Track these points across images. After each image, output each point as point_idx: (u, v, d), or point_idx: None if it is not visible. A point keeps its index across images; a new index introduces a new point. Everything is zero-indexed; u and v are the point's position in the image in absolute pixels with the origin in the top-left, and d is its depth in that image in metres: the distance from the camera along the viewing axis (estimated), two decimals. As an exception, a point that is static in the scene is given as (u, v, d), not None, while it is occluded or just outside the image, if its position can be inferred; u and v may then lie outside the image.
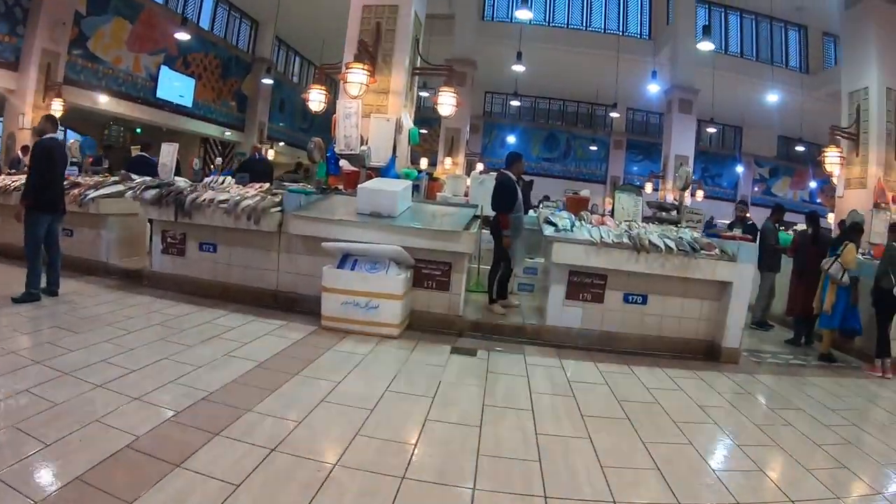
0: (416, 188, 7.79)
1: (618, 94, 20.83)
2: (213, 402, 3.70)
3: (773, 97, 19.46)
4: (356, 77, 8.19)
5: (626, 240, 6.07)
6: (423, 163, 20.36)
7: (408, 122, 9.12)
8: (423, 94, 18.93)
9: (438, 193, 8.85)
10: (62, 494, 2.55)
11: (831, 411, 4.90)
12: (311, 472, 2.93)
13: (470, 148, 23.30)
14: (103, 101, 16.25)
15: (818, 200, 23.69)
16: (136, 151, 10.21)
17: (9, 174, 8.92)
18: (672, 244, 6.01)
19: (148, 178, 7.52)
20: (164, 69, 18.57)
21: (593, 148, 28.24)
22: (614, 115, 23.79)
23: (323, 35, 19.05)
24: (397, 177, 7.66)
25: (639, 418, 4.18)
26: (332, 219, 6.24)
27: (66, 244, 7.20)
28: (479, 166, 20.59)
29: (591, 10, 22.76)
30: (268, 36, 23.56)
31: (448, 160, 19.83)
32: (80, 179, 8.06)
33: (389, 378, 4.53)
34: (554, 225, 6.34)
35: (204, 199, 6.62)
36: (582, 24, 22.76)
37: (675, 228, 7.00)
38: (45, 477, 2.69)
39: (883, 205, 10.51)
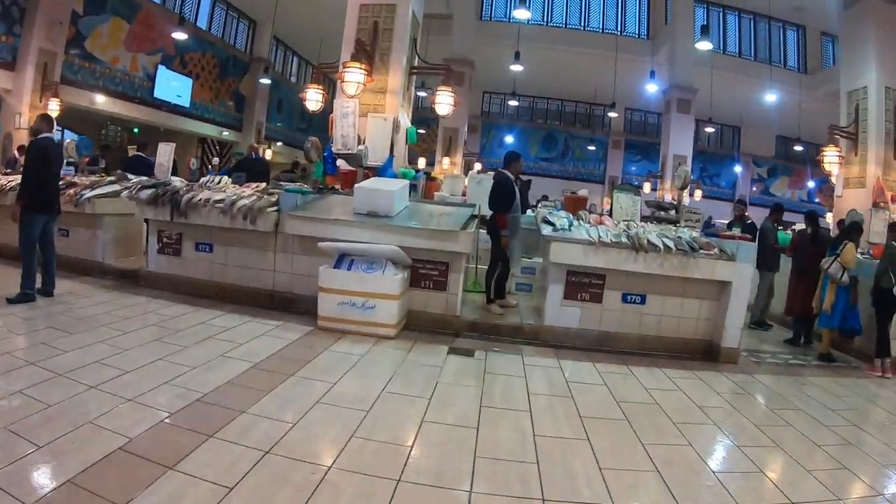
0: (413, 188, 7.75)
1: (616, 93, 20.81)
2: (208, 404, 3.66)
3: (771, 97, 19.48)
4: (353, 76, 8.15)
5: (624, 239, 6.04)
6: (422, 162, 20.33)
7: (405, 122, 9.08)
8: (421, 93, 18.89)
9: (436, 193, 8.82)
10: (53, 497, 2.52)
11: (831, 411, 4.88)
12: (305, 475, 2.89)
13: (468, 148, 23.27)
14: (100, 100, 16.18)
15: (816, 200, 23.66)
16: (132, 151, 10.19)
17: (5, 174, 8.87)
18: (671, 244, 5.99)
19: (144, 178, 7.48)
20: (162, 69, 18.49)
21: (591, 148, 28.22)
22: (612, 114, 23.77)
23: (321, 35, 19.00)
24: (395, 176, 7.62)
25: (637, 419, 4.15)
26: (329, 218, 6.21)
27: (62, 244, 7.17)
28: (477, 166, 20.57)
29: (589, 10, 22.74)
30: (265, 36, 23.51)
31: (446, 160, 19.81)
32: (76, 179, 8.02)
33: (386, 379, 4.49)
34: (552, 224, 6.31)
35: (200, 199, 6.58)
36: (580, 23, 22.74)
37: (673, 228, 6.98)
38: (37, 479, 2.66)
39: (882, 204, 10.50)
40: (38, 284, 6.00)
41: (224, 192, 6.84)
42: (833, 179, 12.06)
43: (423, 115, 21.68)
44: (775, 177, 28.51)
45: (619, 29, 22.49)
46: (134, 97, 17.59)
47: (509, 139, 28.15)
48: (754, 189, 27.84)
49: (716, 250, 6.10)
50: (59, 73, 14.29)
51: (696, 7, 20.31)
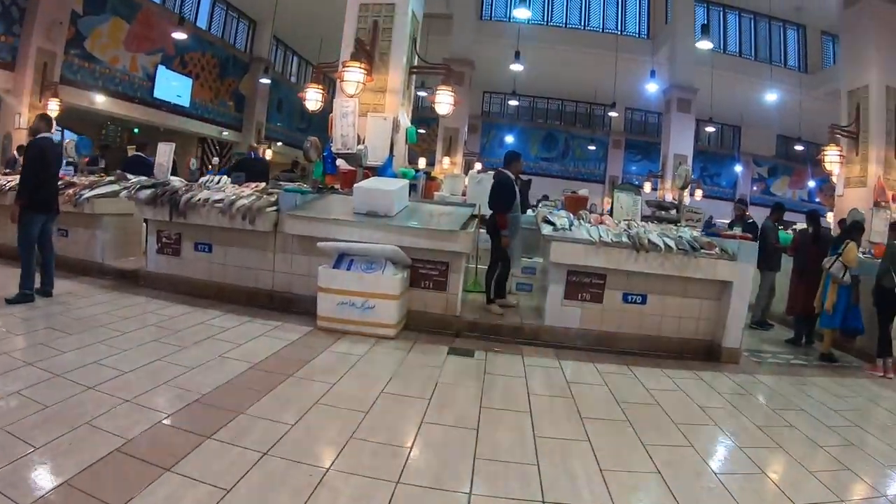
0: (413, 187, 7.73)
1: (616, 93, 20.77)
2: (206, 405, 3.64)
3: (771, 96, 19.47)
4: (353, 76, 8.12)
5: (625, 239, 6.02)
6: (422, 162, 20.32)
7: (405, 121, 9.06)
8: (422, 93, 18.88)
9: (436, 193, 8.79)
10: (50, 499, 2.50)
11: (833, 412, 4.85)
12: (303, 477, 2.87)
13: (468, 148, 23.26)
14: (100, 100, 16.17)
15: (817, 200, 23.65)
16: (132, 151, 10.16)
17: (5, 174, 8.85)
18: (671, 243, 5.96)
19: (143, 178, 7.46)
20: (162, 69, 18.48)
21: (592, 147, 28.22)
22: (613, 114, 23.75)
23: (321, 34, 18.98)
24: (394, 176, 7.60)
25: (638, 420, 4.13)
26: (328, 218, 6.19)
27: (61, 244, 7.17)
28: (478, 165, 20.56)
29: (589, 10, 22.70)
30: (265, 35, 23.50)
31: (446, 160, 19.80)
32: (75, 179, 8.00)
33: (385, 379, 4.47)
34: (552, 224, 6.29)
35: (199, 199, 6.57)
36: (580, 23, 22.70)
37: (674, 227, 6.95)
38: (33, 481, 2.64)
39: (883, 203, 10.47)
40: (37, 285, 5.98)
41: (223, 191, 6.82)
42: (834, 179, 12.03)
43: (424, 115, 21.66)
44: (776, 176, 28.49)
45: (619, 28, 22.45)
46: (134, 97, 17.58)
47: (509, 139, 28.13)
48: (755, 189, 27.81)
49: (717, 250, 6.07)
50: (59, 73, 14.27)
51: (696, 6, 20.29)
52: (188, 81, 20.00)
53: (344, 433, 3.41)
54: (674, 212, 8.03)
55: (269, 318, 5.95)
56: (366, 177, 7.38)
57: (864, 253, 7.62)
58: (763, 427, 4.29)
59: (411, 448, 3.35)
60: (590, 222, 6.65)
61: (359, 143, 7.86)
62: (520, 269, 7.71)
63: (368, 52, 8.59)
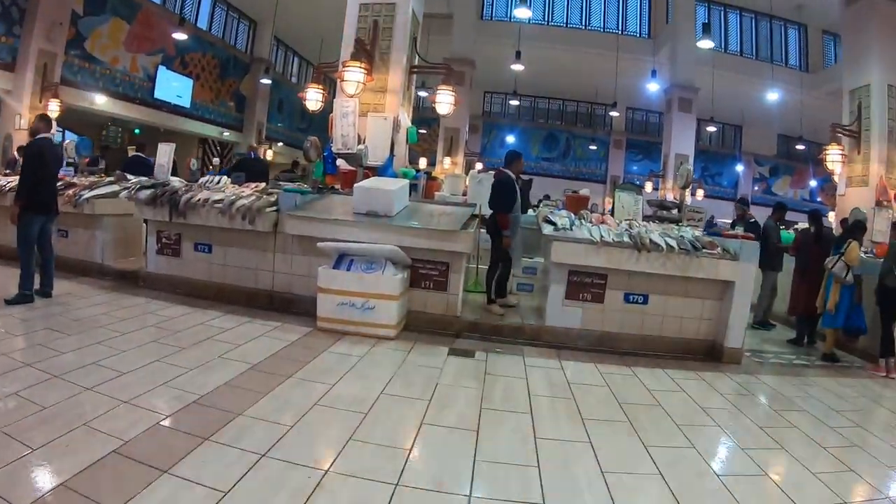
0: (413, 187, 7.72)
1: (617, 93, 20.75)
2: (204, 406, 3.62)
3: (772, 96, 19.40)
4: (353, 75, 8.10)
5: (626, 239, 6.00)
6: (423, 163, 20.30)
7: (405, 121, 9.04)
8: (422, 93, 18.88)
9: (436, 193, 8.78)
10: (46, 500, 2.48)
11: (836, 412, 4.83)
12: (301, 479, 2.85)
13: (469, 148, 23.25)
14: (100, 101, 16.15)
15: (818, 199, 23.64)
16: (132, 152, 10.15)
17: (5, 175, 8.85)
18: (673, 243, 5.94)
19: (143, 179, 7.45)
20: (162, 69, 18.47)
21: (593, 147, 28.21)
22: (614, 114, 23.73)
23: (321, 35, 18.97)
24: (395, 176, 7.58)
25: (640, 421, 4.11)
26: (328, 218, 6.17)
27: (61, 245, 7.17)
28: (479, 165, 20.54)
29: (590, 9, 22.68)
30: (266, 36, 23.48)
31: (447, 160, 19.77)
32: (75, 180, 7.99)
33: (385, 380, 4.44)
34: (553, 224, 6.26)
35: (199, 199, 6.55)
36: (581, 23, 22.69)
37: (676, 227, 6.92)
38: (30, 482, 2.62)
39: (885, 203, 10.43)
40: (37, 285, 5.96)
41: (223, 192, 6.80)
42: (836, 178, 11.98)
43: (424, 115, 21.65)
44: (777, 176, 28.45)
45: (620, 28, 22.44)
46: (134, 98, 17.57)
47: (510, 139, 28.11)
48: (756, 188, 27.76)
49: (719, 249, 6.04)
50: (59, 74, 14.25)
51: (697, 6, 20.27)
52: (189, 82, 19.99)
53: (343, 435, 3.39)
54: (675, 211, 8.00)
55: (268, 319, 5.93)
56: (366, 177, 7.36)
57: (865, 252, 7.60)
58: (765, 428, 4.26)
59: (411, 449, 3.32)
60: (591, 222, 6.62)
61: (359, 143, 7.84)
62: (520, 269, 7.70)
63: (369, 52, 8.57)
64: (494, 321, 6.34)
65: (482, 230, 7.02)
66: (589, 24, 22.69)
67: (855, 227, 7.03)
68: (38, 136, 6.11)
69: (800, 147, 23.75)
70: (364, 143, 7.93)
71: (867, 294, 6.66)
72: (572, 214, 6.83)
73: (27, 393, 3.54)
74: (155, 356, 4.47)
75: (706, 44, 13.86)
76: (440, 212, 6.60)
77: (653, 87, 18.90)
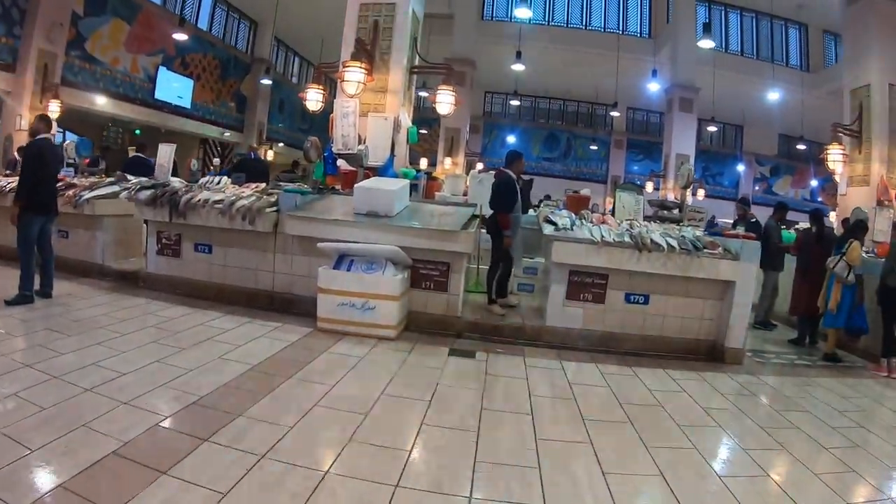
0: (414, 188, 7.71)
1: (618, 93, 20.74)
2: (204, 407, 3.61)
3: (773, 95, 19.40)
4: (353, 76, 8.09)
5: (627, 238, 5.98)
6: (423, 163, 20.29)
7: (406, 121, 9.02)
8: (423, 93, 18.85)
9: (437, 193, 8.76)
10: (45, 502, 2.48)
11: (837, 413, 4.81)
12: (300, 480, 2.83)
13: (470, 148, 23.23)
14: (101, 102, 16.14)
15: (819, 199, 23.61)
16: (132, 152, 10.14)
17: (6, 176, 8.84)
18: (674, 243, 5.92)
19: (143, 179, 7.44)
20: (163, 70, 18.45)
21: (594, 147, 28.19)
22: (615, 114, 23.71)
23: (322, 35, 18.96)
24: (395, 176, 7.57)
25: (641, 422, 4.09)
26: (328, 219, 6.16)
27: (61, 246, 7.16)
28: (479, 166, 20.53)
29: (590, 9, 22.67)
30: (267, 36, 23.47)
31: (448, 160, 19.76)
32: (75, 180, 7.98)
33: (385, 381, 4.43)
34: (554, 224, 6.25)
35: (199, 200, 6.54)
36: (581, 23, 22.68)
37: (677, 227, 6.91)
38: (28, 484, 2.61)
39: (886, 202, 10.41)
40: (37, 286, 5.96)
41: (223, 192, 6.79)
42: (837, 178, 11.95)
43: (425, 116, 21.61)
44: (778, 176, 28.42)
45: (620, 28, 22.43)
46: (135, 98, 17.55)
47: (511, 139, 28.08)
48: (757, 188, 27.73)
49: (720, 249, 6.03)
50: (60, 75, 14.23)
51: (697, 6, 20.27)
52: (189, 82, 19.97)
53: (343, 435, 3.38)
54: (676, 211, 7.98)
55: (269, 320, 5.92)
56: (367, 177, 7.35)
57: (867, 252, 7.58)
58: (767, 428, 4.25)
59: (411, 451, 3.31)
60: (592, 222, 6.60)
61: (359, 144, 7.83)
62: (521, 269, 7.68)
63: (369, 52, 8.56)
64: (495, 321, 6.33)
65: (482, 230, 7.00)
66: (589, 24, 22.68)
67: (856, 227, 7.02)
68: (37, 137, 6.11)
69: (801, 147, 23.74)
70: (364, 143, 7.92)
71: (869, 294, 6.64)
72: (573, 214, 6.81)
73: (26, 394, 3.53)
74: (155, 357, 4.46)
75: (707, 43, 13.86)
76: (441, 212, 6.59)
77: (653, 86, 18.89)
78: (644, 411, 4.35)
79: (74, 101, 15.03)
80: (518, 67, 17.27)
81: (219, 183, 7.42)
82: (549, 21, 22.49)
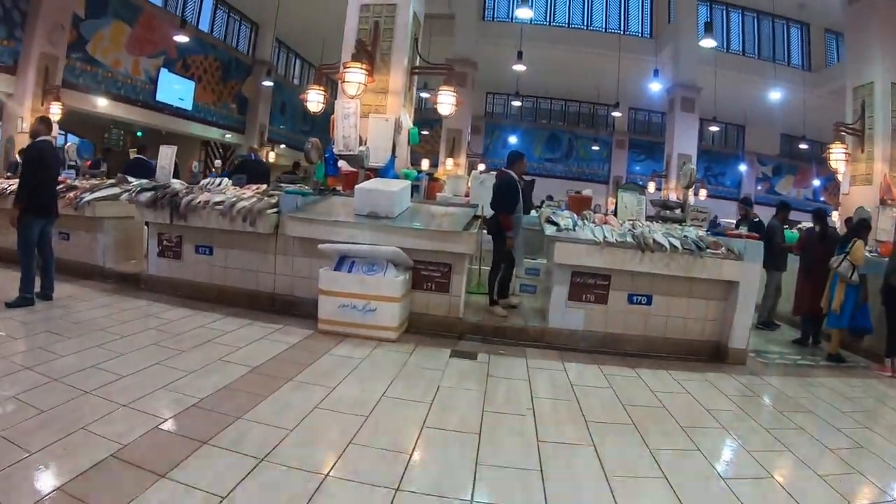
0: (415, 188, 7.68)
1: (620, 93, 20.73)
2: (203, 409, 3.59)
3: (775, 95, 19.36)
4: (354, 76, 8.07)
5: (629, 239, 5.96)
6: (425, 164, 20.31)
7: (407, 122, 9.00)
8: (424, 95, 18.85)
9: (438, 194, 8.74)
10: (42, 506, 2.46)
11: (842, 413, 4.78)
12: (300, 484, 2.81)
13: (472, 149, 23.23)
14: (102, 104, 16.16)
15: (822, 198, 23.57)
16: (133, 154, 10.14)
17: (7, 178, 8.85)
18: (677, 243, 5.89)
19: (144, 181, 7.43)
20: (164, 72, 18.48)
21: (595, 148, 28.18)
22: (616, 114, 23.67)
23: (323, 37, 18.94)
24: (396, 177, 7.55)
25: (644, 423, 4.06)
26: (329, 220, 6.14)
27: (62, 248, 7.17)
28: (481, 166, 20.51)
29: (591, 9, 22.65)
30: (268, 38, 23.50)
31: (450, 161, 19.76)
32: (76, 183, 7.98)
33: (386, 383, 4.41)
34: (556, 224, 6.23)
35: (199, 202, 6.53)
36: (583, 23, 22.66)
37: (679, 227, 6.88)
38: (26, 487, 2.59)
39: (889, 201, 10.37)
40: (38, 288, 5.95)
41: (224, 194, 6.78)
42: (839, 177, 11.90)
43: (427, 117, 21.68)
44: (780, 175, 28.38)
45: (622, 28, 22.40)
46: (136, 100, 17.58)
47: (513, 140, 28.08)
48: (759, 188, 27.69)
49: (723, 249, 6.00)
50: (61, 77, 14.22)
51: (699, 5, 20.26)
52: (191, 84, 20.00)
53: (343, 438, 3.36)
54: (678, 211, 7.94)
55: (270, 321, 5.90)
56: (367, 178, 7.33)
57: (870, 252, 7.54)
58: (771, 430, 4.21)
59: (411, 453, 3.28)
60: (594, 222, 6.58)
61: (360, 145, 7.81)
62: (523, 271, 7.66)
63: (369, 53, 8.54)
64: (497, 323, 6.30)
65: (484, 231, 6.98)
66: (591, 24, 22.66)
67: (860, 226, 6.98)
68: (38, 139, 6.11)
69: (803, 146, 23.70)
70: (365, 144, 7.90)
71: (872, 293, 6.60)
72: (575, 215, 6.79)
73: (26, 396, 3.52)
74: (155, 359, 4.44)
75: (708, 43, 13.82)
76: (442, 213, 6.57)
77: (655, 86, 18.85)
78: (647, 413, 4.32)
79: (76, 104, 15.05)
80: (519, 68, 17.24)
81: (219, 184, 7.41)
82: (550, 21, 22.48)
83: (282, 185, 7.72)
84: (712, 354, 6.08)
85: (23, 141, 12.44)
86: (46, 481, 2.64)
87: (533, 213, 8.20)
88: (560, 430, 3.86)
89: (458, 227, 5.97)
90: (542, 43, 19.72)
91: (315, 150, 7.64)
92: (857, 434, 4.31)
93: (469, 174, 13.66)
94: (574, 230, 6.15)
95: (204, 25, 20.67)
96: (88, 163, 11.29)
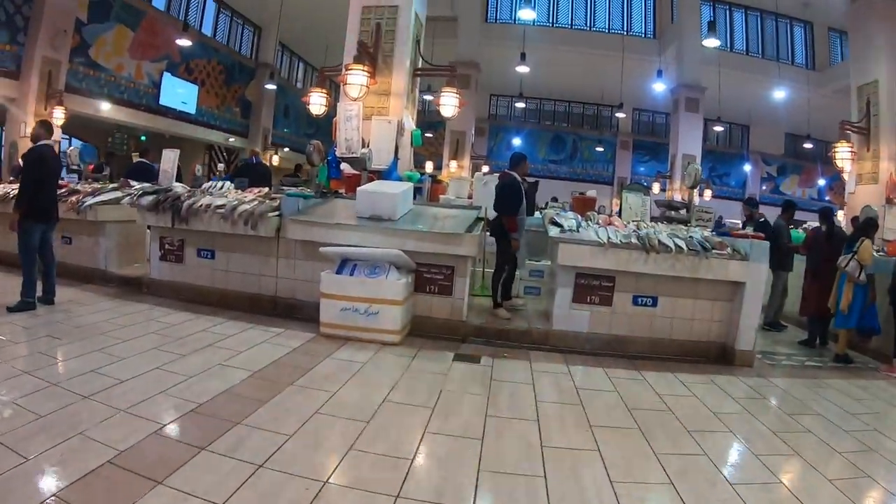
0: (418, 191, 7.65)
1: (623, 94, 20.66)
2: (203, 415, 3.55)
3: (779, 94, 19.28)
4: (356, 79, 8.04)
5: (634, 240, 5.90)
6: (429, 166, 20.30)
7: (409, 124, 8.97)
8: (428, 97, 18.84)
9: (441, 196, 8.70)
10: (37, 513, 2.43)
11: (850, 415, 4.71)
12: (299, 491, 2.77)
13: (475, 151, 23.20)
14: (105, 108, 16.20)
15: (827, 198, 23.45)
16: (136, 158, 10.14)
17: (10, 183, 8.86)
18: (682, 244, 5.84)
19: (146, 185, 7.42)
20: (167, 76, 18.51)
21: (600, 149, 28.16)
22: (620, 115, 23.64)
23: (326, 40, 18.92)
24: (399, 179, 7.52)
25: (650, 427, 4.00)
26: (331, 223, 6.10)
27: (65, 252, 7.18)
28: (485, 168, 20.50)
29: (594, 10, 22.59)
30: (271, 41, 23.52)
31: (453, 163, 19.75)
32: (78, 187, 7.98)
33: (388, 387, 4.37)
34: (560, 226, 6.18)
35: (201, 205, 6.51)
36: (586, 24, 22.60)
37: (684, 228, 6.82)
38: (22, 493, 2.57)
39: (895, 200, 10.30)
40: (40, 292, 5.93)
41: (225, 197, 6.76)
42: (845, 176, 11.84)
43: (431, 119, 21.68)
44: (785, 175, 28.29)
45: (625, 28, 22.32)
46: (139, 104, 17.60)
47: (517, 141, 28.03)
48: (764, 188, 27.62)
49: (728, 250, 5.94)
50: (64, 82, 14.29)
51: (702, 5, 20.19)
52: (194, 88, 20.03)
53: (344, 444, 3.31)
54: (683, 211, 7.87)
55: (271, 325, 5.86)
56: (370, 181, 7.29)
57: (877, 251, 7.46)
58: (778, 433, 4.14)
59: (413, 459, 3.23)
60: (598, 223, 6.53)
61: (363, 147, 7.78)
62: (527, 272, 7.61)
63: (371, 55, 8.52)
64: (501, 325, 6.25)
65: (487, 233, 6.93)
66: (594, 24, 22.61)
67: (867, 225, 6.90)
68: (39, 143, 6.09)
69: (807, 146, 23.64)
70: (368, 146, 7.88)
71: (880, 293, 6.53)
72: (579, 216, 6.74)
73: (24, 401, 3.50)
74: (155, 363, 4.41)
75: (712, 42, 13.78)
76: (445, 215, 6.52)
77: (659, 87, 18.77)
78: (653, 416, 4.26)
79: (79, 108, 15.08)
80: (523, 69, 17.23)
81: (221, 188, 7.38)
82: (553, 23, 22.43)
83: (284, 188, 7.70)
84: (719, 356, 6.01)
85: (26, 145, 12.42)
86: (42, 488, 2.61)
87: (537, 214, 8.15)
88: (564, 434, 3.80)
89: (461, 230, 5.92)
90: (545, 44, 19.71)
91: (317, 153, 7.59)
92: (867, 436, 4.25)
93: (473, 176, 13.64)
94: (578, 231, 6.11)
95: (207, 29, 20.70)
96: (92, 167, 11.29)
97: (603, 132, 28.37)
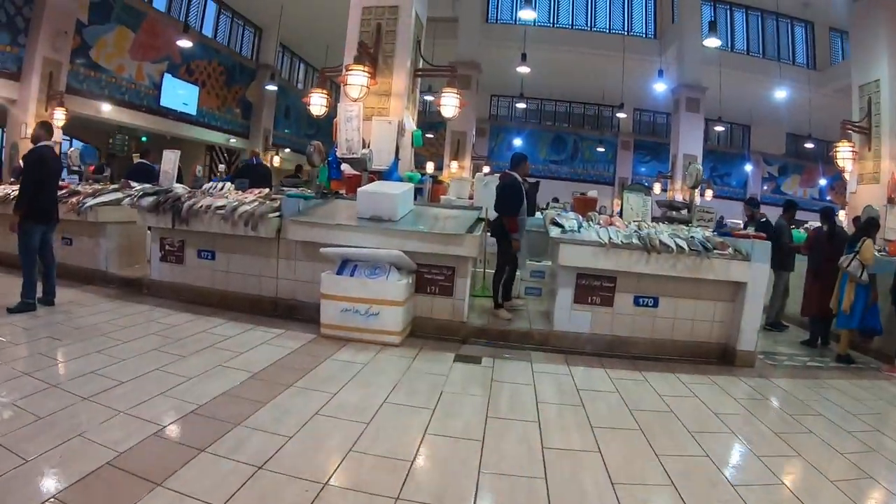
0: (419, 191, 7.64)
1: (624, 94, 20.67)
2: (202, 416, 3.54)
3: (780, 94, 19.25)
4: (356, 79, 8.04)
5: (635, 240, 5.88)
6: (430, 167, 20.30)
7: (410, 125, 8.97)
8: (428, 97, 18.84)
9: (442, 196, 8.69)
10: (36, 515, 2.42)
11: (852, 416, 4.69)
12: (298, 493, 2.75)
13: (476, 151, 23.19)
14: (106, 109, 16.22)
15: (828, 198, 23.43)
16: (136, 159, 10.14)
17: (11, 184, 8.85)
18: (683, 244, 5.82)
19: (147, 186, 7.41)
20: (168, 77, 18.54)
21: (601, 149, 28.16)
22: (621, 115, 23.63)
23: (327, 41, 18.99)
24: (400, 180, 7.51)
25: (652, 429, 3.99)
26: (331, 223, 6.09)
27: (65, 253, 7.18)
28: (486, 168, 20.49)
29: (595, 10, 22.57)
30: (271, 42, 23.55)
31: (454, 164, 19.74)
32: (79, 188, 7.97)
33: (389, 388, 4.35)
34: (561, 226, 6.16)
35: (201, 206, 6.50)
36: (586, 24, 22.58)
37: (686, 228, 6.80)
38: (21, 495, 2.55)
39: (897, 200, 10.28)
40: (40, 294, 5.93)
41: (225, 198, 6.75)
42: (846, 176, 11.80)
43: (432, 120, 21.68)
44: (786, 175, 28.29)
45: (625, 29, 22.30)
46: (140, 105, 17.63)
47: (518, 142, 28.05)
48: (765, 188, 27.62)
49: (730, 250, 5.92)
50: (65, 83, 14.32)
51: (702, 5, 20.16)
52: (195, 89, 20.05)
53: (343, 446, 3.30)
54: (685, 212, 7.86)
55: (272, 326, 5.85)
56: (371, 181, 7.29)
57: (878, 251, 7.44)
58: (780, 434, 4.13)
59: (413, 461, 3.22)
60: (599, 224, 6.52)
61: (364, 148, 7.77)
62: (528, 273, 7.60)
63: (372, 56, 8.51)
64: (502, 326, 6.24)
65: (488, 234, 6.92)
66: (594, 25, 22.58)
67: (868, 225, 6.88)
68: (39, 144, 6.08)
69: (809, 145, 23.63)
70: (368, 147, 7.87)
71: (882, 293, 6.51)
72: (580, 216, 6.72)
73: (24, 402, 3.49)
74: (155, 365, 4.40)
75: (713, 42, 13.76)
76: (445, 215, 6.51)
77: (660, 87, 18.75)
78: (654, 418, 4.25)
79: (80, 109, 15.10)
80: (523, 70, 17.22)
81: (222, 188, 7.38)
82: (553, 23, 22.41)
83: (284, 188, 7.69)
84: (720, 357, 6.00)
85: (27, 146, 12.43)
86: (42, 489, 2.60)
87: (537, 214, 8.14)
88: (565, 436, 3.79)
89: (462, 230, 5.90)
90: (545, 45, 19.69)
91: (317, 154, 7.58)
92: (869, 437, 4.23)
93: (474, 177, 13.62)
94: (579, 232, 6.09)
95: (207, 30, 20.72)
96: (92, 168, 11.28)
97: (604, 132, 28.37)
